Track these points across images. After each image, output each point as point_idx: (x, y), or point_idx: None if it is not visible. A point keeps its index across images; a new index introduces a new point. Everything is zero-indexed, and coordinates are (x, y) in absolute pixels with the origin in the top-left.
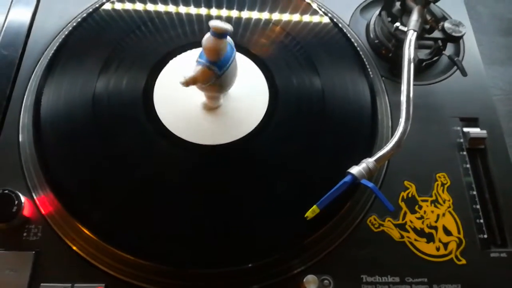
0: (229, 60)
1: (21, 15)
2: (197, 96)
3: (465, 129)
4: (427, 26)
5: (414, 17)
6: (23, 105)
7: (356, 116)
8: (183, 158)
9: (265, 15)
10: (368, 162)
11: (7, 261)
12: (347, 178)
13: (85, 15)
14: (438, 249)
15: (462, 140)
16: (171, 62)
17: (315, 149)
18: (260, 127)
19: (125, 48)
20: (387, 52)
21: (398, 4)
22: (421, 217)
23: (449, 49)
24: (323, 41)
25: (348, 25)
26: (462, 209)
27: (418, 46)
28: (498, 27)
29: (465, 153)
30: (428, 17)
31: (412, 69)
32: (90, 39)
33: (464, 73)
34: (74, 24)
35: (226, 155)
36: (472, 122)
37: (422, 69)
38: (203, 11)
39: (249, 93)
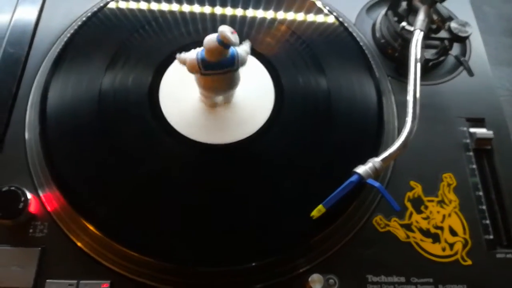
0: (218, 68)
1: (27, 14)
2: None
3: (472, 130)
4: (434, 26)
5: (421, 17)
6: (29, 102)
7: (362, 115)
8: (188, 156)
9: (271, 14)
10: (375, 162)
11: (13, 258)
12: (353, 178)
13: (90, 13)
14: (444, 249)
15: (468, 141)
16: (177, 60)
17: (321, 149)
18: (266, 126)
19: (131, 46)
20: (393, 51)
21: (404, 4)
22: (427, 218)
23: (456, 49)
24: (329, 41)
25: (354, 25)
26: (468, 209)
27: (425, 46)
28: (505, 28)
29: (471, 153)
30: (435, 17)
31: (419, 69)
32: (96, 37)
33: (470, 73)
34: (80, 22)
35: (232, 154)
36: (478, 122)
37: (428, 69)
38: (209, 9)
39: (255, 92)
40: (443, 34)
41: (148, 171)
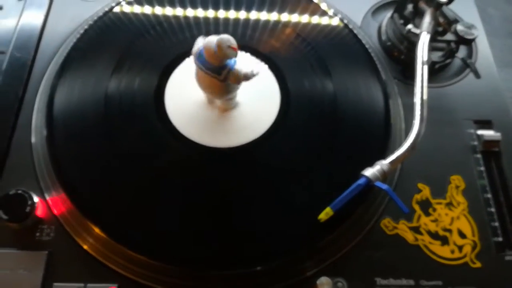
0: (206, 68)
1: (33, 18)
2: (208, 98)
3: (479, 132)
4: (440, 29)
5: (427, 19)
6: (36, 106)
7: (369, 118)
8: (194, 160)
9: (276, 17)
10: (382, 164)
11: (21, 261)
12: (361, 180)
13: (96, 18)
14: (452, 252)
15: (476, 143)
16: (182, 63)
17: (327, 151)
18: (272, 130)
19: (137, 49)
20: (399, 54)
21: (410, 6)
22: (436, 220)
23: (462, 51)
24: (335, 43)
25: (360, 28)
26: (477, 212)
27: (431, 48)
28: (510, 30)
29: (479, 155)
30: (441, 20)
31: (426, 71)
32: (102, 41)
33: (477, 75)
34: (86, 27)
35: (239, 157)
36: (486, 124)
37: (435, 71)
38: (213, 13)
39: (261, 95)
40: (449, 36)
41: (154, 174)
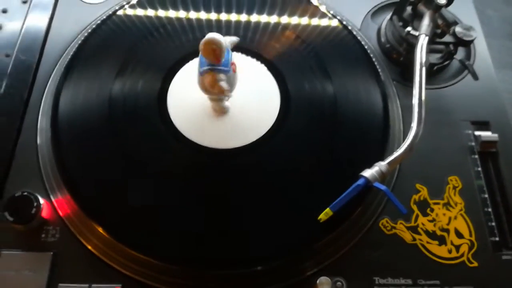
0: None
1: (38, 21)
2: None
3: (477, 133)
4: (438, 31)
5: (426, 22)
6: (41, 108)
7: (368, 120)
8: (196, 161)
9: (276, 20)
10: (381, 165)
11: (26, 262)
12: (360, 181)
13: (100, 21)
14: (450, 251)
15: (473, 144)
16: (184, 66)
17: (327, 152)
18: (272, 131)
19: (140, 52)
20: (398, 56)
21: (409, 9)
22: (433, 220)
23: (460, 53)
24: (335, 46)
25: (359, 30)
26: (474, 212)
27: (430, 50)
28: (509, 31)
29: (476, 156)
30: (440, 22)
31: (424, 73)
32: (106, 44)
33: (475, 77)
34: (90, 30)
35: (239, 158)
36: (483, 125)
37: (433, 73)
38: (215, 16)
39: (261, 97)
40: (448, 38)
41: (157, 175)
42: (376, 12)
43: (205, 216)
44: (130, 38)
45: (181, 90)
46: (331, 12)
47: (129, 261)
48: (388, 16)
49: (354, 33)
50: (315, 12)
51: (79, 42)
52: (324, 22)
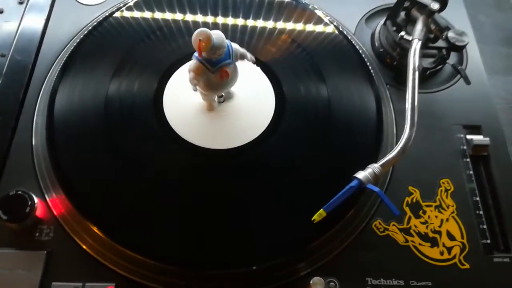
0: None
1: (34, 22)
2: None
3: (468, 136)
4: (431, 36)
5: (419, 27)
6: (37, 109)
7: (362, 123)
8: (191, 161)
9: (272, 24)
10: (374, 167)
11: (19, 261)
12: (353, 183)
13: (96, 22)
14: (442, 253)
15: (465, 147)
16: (180, 68)
17: (321, 154)
18: (267, 132)
19: (136, 54)
20: (392, 60)
21: (403, 14)
22: (425, 222)
23: (453, 58)
24: (329, 50)
25: (354, 34)
26: (466, 214)
27: (423, 55)
28: (500, 37)
29: (468, 159)
30: (433, 27)
31: (417, 77)
32: (102, 46)
33: (467, 81)
34: (87, 31)
35: (233, 159)
36: (475, 129)
37: (426, 77)
38: (211, 19)
39: (256, 99)
40: (440, 43)
41: (152, 175)
42: (370, 17)
43: (199, 216)
44: (126, 39)
45: (177, 91)
46: (326, 17)
47: (123, 260)
48: (382, 21)
49: (349, 37)
50: (310, 16)
51: (75, 43)
52: (319, 26)
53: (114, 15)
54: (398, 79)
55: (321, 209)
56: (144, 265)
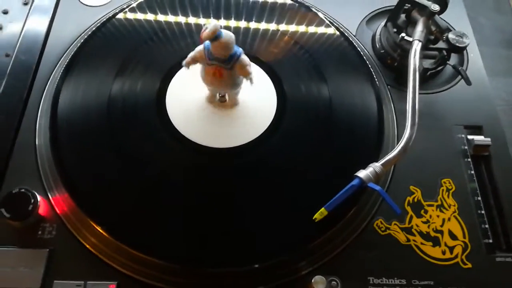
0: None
1: (38, 23)
2: (207, 100)
3: (470, 137)
4: (432, 37)
5: (419, 28)
6: (40, 108)
7: (363, 122)
8: (193, 160)
9: (274, 25)
10: (375, 166)
11: (22, 259)
12: (354, 181)
13: (100, 24)
14: (444, 252)
15: (466, 147)
16: (183, 68)
17: (323, 154)
18: (269, 132)
19: (139, 54)
20: (393, 61)
21: (403, 16)
22: (427, 221)
23: (453, 59)
24: (331, 51)
25: (355, 36)
26: (467, 214)
27: (423, 56)
28: (500, 39)
29: (469, 159)
30: (433, 28)
31: (418, 77)
32: (106, 46)
33: (468, 82)
34: (90, 32)
35: (236, 158)
36: (476, 130)
37: (426, 78)
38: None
39: (258, 99)
40: (441, 44)
41: (154, 174)
42: (371, 19)
43: (202, 214)
44: (129, 40)
45: (180, 90)
46: (328, 19)
47: (125, 259)
48: (383, 23)
49: (350, 39)
50: (312, 18)
51: (79, 44)
52: (321, 28)
53: (118, 16)
54: (399, 80)
55: (323, 208)
56: (146, 263)
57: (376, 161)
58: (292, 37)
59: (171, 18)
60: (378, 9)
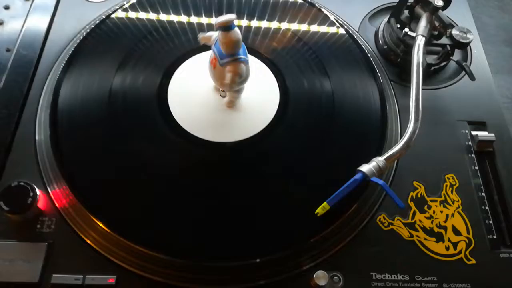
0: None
1: (39, 18)
2: (209, 94)
3: (473, 132)
4: (435, 32)
5: (423, 23)
6: (40, 102)
7: (366, 117)
8: (194, 155)
9: (277, 21)
10: (378, 161)
11: (20, 252)
12: (357, 176)
13: (101, 19)
14: (447, 248)
15: (470, 143)
16: (184, 63)
17: (326, 149)
18: (271, 126)
19: (141, 49)
20: (396, 57)
21: (406, 12)
22: (430, 217)
23: (457, 56)
24: (334, 47)
25: (358, 32)
26: (471, 210)
27: (427, 52)
28: (504, 38)
29: (473, 155)
30: (436, 24)
31: (421, 71)
32: (107, 41)
33: (472, 77)
34: (91, 26)
35: (237, 152)
36: (480, 125)
37: (430, 73)
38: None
39: (261, 93)
40: (444, 40)
41: (155, 168)
42: (373, 15)
43: (203, 208)
44: (130, 36)
45: (182, 85)
46: (331, 15)
47: (124, 253)
48: (386, 19)
49: (353, 35)
50: (315, 14)
51: (80, 39)
52: (323, 24)
53: (118, 12)
54: (402, 75)
55: (325, 202)
56: (146, 257)
57: (379, 156)
58: (295, 33)
59: (171, 13)
60: (380, 5)
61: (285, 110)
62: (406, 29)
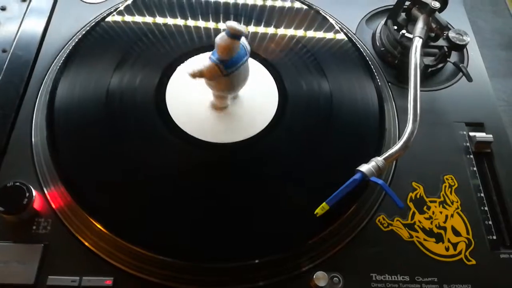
0: (239, 62)
1: (36, 19)
2: (207, 96)
3: (471, 133)
4: (432, 34)
5: (420, 25)
6: (37, 103)
7: (365, 118)
8: (192, 156)
9: (275, 24)
10: (377, 160)
11: (16, 254)
12: (356, 176)
13: (98, 20)
14: (447, 249)
15: (468, 144)
16: (183, 64)
17: (325, 149)
18: (270, 127)
19: (138, 51)
20: (393, 59)
21: (403, 14)
22: (430, 218)
23: (453, 58)
24: (332, 49)
25: (355, 34)
26: (471, 210)
27: (424, 54)
28: (499, 41)
29: (471, 156)
30: (433, 25)
31: (419, 72)
32: (104, 43)
33: (469, 78)
34: (88, 28)
35: (235, 153)
36: (478, 127)
37: (427, 75)
38: (213, 25)
39: (260, 95)
40: (441, 42)
41: (153, 169)
42: (370, 18)
43: (201, 210)
44: (128, 37)
45: (180, 86)
46: (329, 17)
47: (122, 254)
48: (383, 21)
49: (350, 37)
50: (313, 17)
51: (77, 40)
52: (321, 26)
53: (116, 13)
54: (400, 77)
55: (324, 203)
56: (143, 259)
57: (378, 156)
58: (294, 36)
59: (171, 14)
60: (377, 8)
61: (284, 111)
62: (403, 31)
